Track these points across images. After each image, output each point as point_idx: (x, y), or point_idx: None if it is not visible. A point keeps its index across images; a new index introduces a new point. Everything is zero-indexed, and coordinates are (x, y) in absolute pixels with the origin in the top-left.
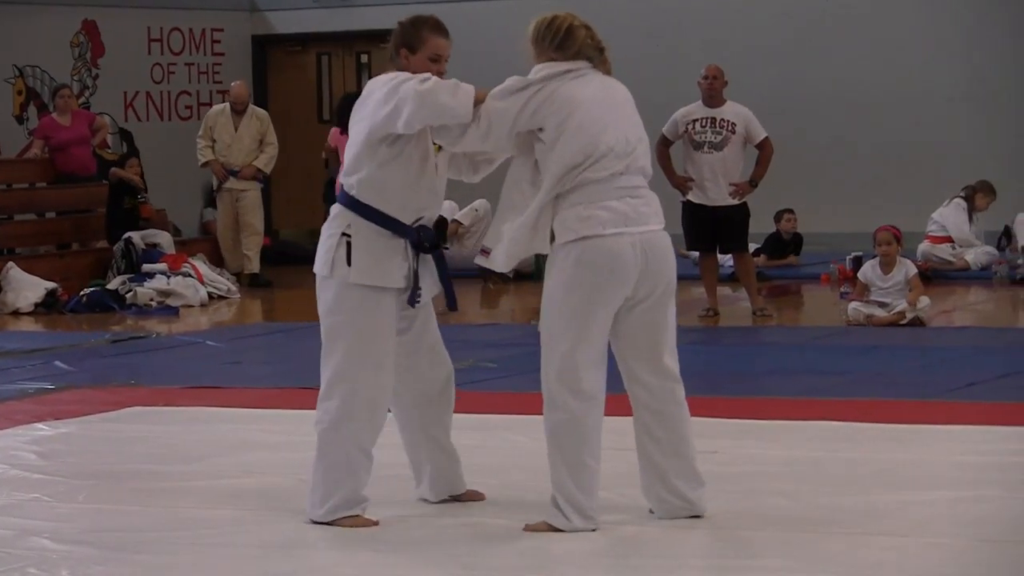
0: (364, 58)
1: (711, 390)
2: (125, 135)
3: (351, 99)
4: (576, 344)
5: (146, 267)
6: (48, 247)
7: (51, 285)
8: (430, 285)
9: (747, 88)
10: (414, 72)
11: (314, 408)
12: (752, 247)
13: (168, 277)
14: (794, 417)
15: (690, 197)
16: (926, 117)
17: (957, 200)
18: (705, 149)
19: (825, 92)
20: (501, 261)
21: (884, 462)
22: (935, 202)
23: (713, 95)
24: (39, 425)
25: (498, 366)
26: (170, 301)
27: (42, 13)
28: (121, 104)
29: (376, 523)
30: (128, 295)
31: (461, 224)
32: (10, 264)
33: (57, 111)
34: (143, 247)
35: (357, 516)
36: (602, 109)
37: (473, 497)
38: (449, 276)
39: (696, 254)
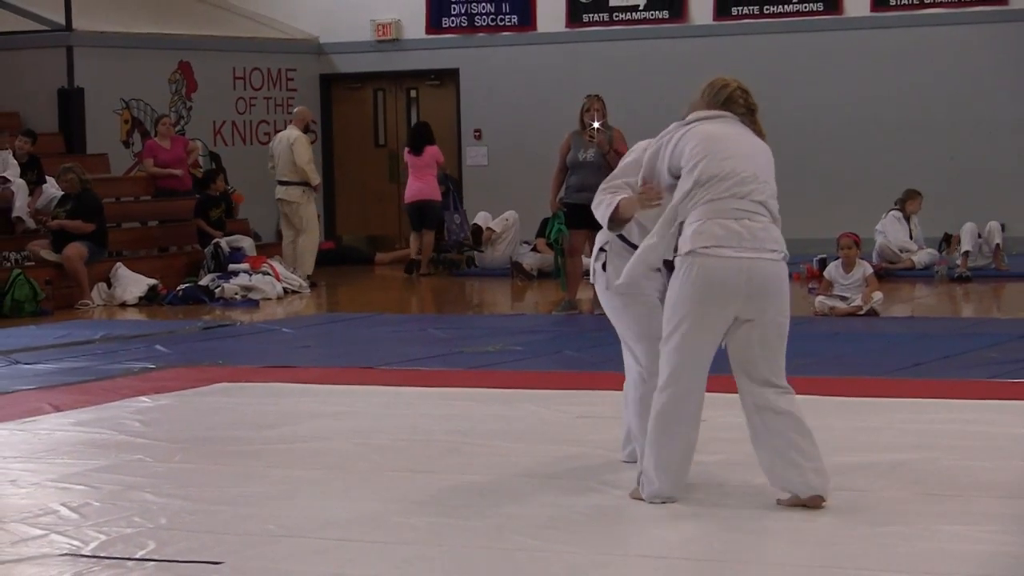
0: (413, 93)
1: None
2: (214, 157)
3: (420, 127)
4: (678, 352)
5: (232, 267)
6: (149, 250)
7: (152, 281)
8: None
9: None
10: None
11: (365, 383)
12: None
13: (250, 275)
14: None
15: None
16: (875, 141)
17: (892, 213)
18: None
19: (795, 121)
20: (623, 278)
21: (844, 429)
22: (881, 210)
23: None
24: (142, 398)
25: (523, 349)
26: (252, 295)
27: (145, 55)
28: (211, 131)
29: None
30: (216, 290)
31: (494, 231)
32: (118, 264)
33: (159, 136)
34: (229, 250)
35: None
36: (734, 144)
37: None
38: None
39: None
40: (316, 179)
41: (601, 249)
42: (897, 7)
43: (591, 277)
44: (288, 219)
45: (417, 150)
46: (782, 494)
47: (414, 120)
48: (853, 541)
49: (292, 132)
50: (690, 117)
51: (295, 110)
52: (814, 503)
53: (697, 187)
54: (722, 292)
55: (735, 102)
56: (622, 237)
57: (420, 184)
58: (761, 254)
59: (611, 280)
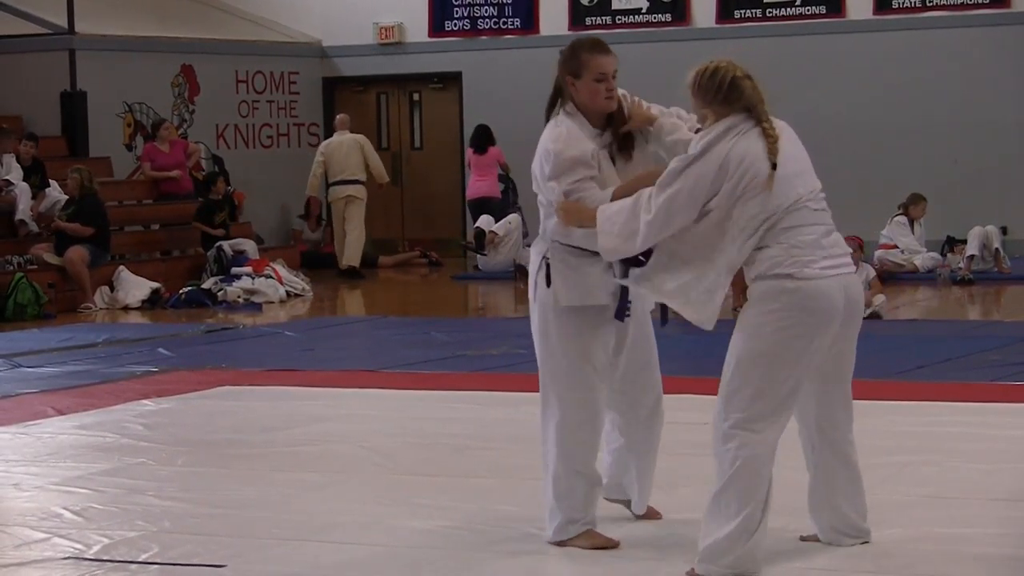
0: (416, 96)
1: (698, 372)
2: (217, 160)
3: (482, 129)
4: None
5: (234, 270)
6: (152, 253)
7: (155, 285)
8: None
9: None
10: (584, 95)
11: (369, 386)
12: None
13: (253, 278)
14: None
15: None
16: (878, 144)
17: (897, 218)
18: None
19: (797, 124)
20: (704, 319)
21: None
22: (885, 214)
23: None
24: (145, 401)
25: (526, 352)
26: (255, 298)
27: (148, 59)
28: (214, 135)
29: (616, 543)
30: (219, 293)
31: (497, 234)
32: (121, 267)
33: (158, 140)
34: (232, 253)
35: (590, 532)
36: (785, 160)
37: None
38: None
39: None
40: (387, 176)
41: (544, 258)
42: (899, 10)
43: (531, 293)
44: (347, 216)
45: (481, 149)
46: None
47: (417, 123)
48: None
49: (355, 135)
50: (701, 143)
51: (339, 117)
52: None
53: (769, 218)
54: (831, 312)
55: (750, 97)
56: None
57: (481, 182)
58: (849, 267)
59: (559, 295)
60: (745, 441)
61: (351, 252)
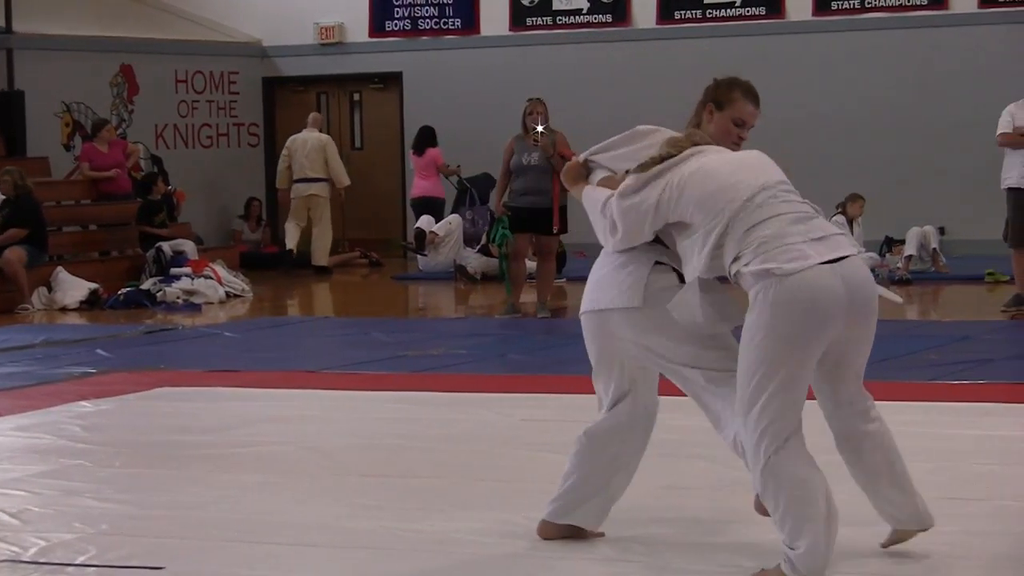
0: (356, 96)
1: None
2: (156, 160)
3: (423, 131)
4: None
5: (174, 271)
6: (91, 254)
7: (93, 286)
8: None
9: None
10: (716, 128)
11: (309, 387)
12: None
13: (192, 279)
14: None
15: None
16: (817, 144)
17: (835, 217)
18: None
19: None
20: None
21: None
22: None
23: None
24: (83, 403)
25: (467, 353)
26: (194, 299)
27: (87, 58)
28: (153, 135)
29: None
30: (158, 294)
31: (437, 235)
32: (59, 268)
33: (97, 140)
34: (171, 254)
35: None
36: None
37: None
38: None
39: None
40: (347, 180)
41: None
42: (839, 11)
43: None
44: (308, 213)
45: (419, 151)
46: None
47: (357, 123)
48: None
49: (320, 135)
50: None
51: (312, 115)
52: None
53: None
54: (827, 305)
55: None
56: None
57: (424, 183)
58: (846, 250)
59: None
60: (769, 451)
61: (319, 252)
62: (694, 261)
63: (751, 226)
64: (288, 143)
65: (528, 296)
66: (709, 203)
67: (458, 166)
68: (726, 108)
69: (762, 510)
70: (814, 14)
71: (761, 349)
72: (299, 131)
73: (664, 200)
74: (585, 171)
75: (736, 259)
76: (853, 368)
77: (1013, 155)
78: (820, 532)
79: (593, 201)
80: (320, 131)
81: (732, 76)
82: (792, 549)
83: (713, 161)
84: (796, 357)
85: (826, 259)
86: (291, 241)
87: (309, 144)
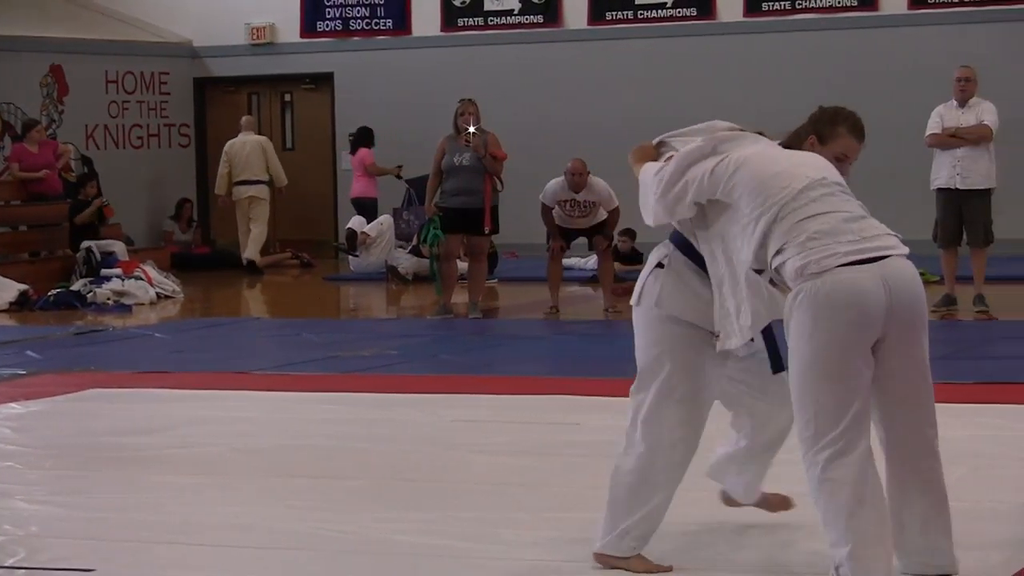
0: (287, 97)
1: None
2: (86, 161)
3: (358, 131)
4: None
5: (104, 272)
6: (20, 255)
7: (23, 287)
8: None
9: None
10: None
11: (240, 388)
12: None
13: (122, 280)
14: None
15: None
16: None
17: None
18: (576, 216)
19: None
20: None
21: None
22: None
23: (577, 187)
24: (12, 404)
25: (398, 353)
26: (124, 300)
27: (15, 59)
28: (83, 135)
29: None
30: (89, 295)
31: (369, 235)
32: None
33: (28, 141)
34: (101, 255)
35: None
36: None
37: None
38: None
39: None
40: (285, 180)
41: (659, 265)
42: (769, 12)
43: (634, 296)
44: (251, 216)
45: (352, 151)
46: None
47: (288, 124)
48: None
49: (259, 137)
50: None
51: (244, 118)
52: None
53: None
54: (866, 307)
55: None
56: (687, 250)
57: (357, 183)
58: (892, 251)
59: (662, 300)
60: (825, 465)
61: (252, 247)
62: (743, 252)
63: (803, 218)
64: (227, 148)
65: (459, 297)
66: (763, 188)
67: (399, 167)
68: (829, 143)
69: (729, 502)
70: (745, 15)
71: (804, 354)
72: (235, 136)
73: (719, 170)
74: (655, 153)
75: (780, 251)
76: (904, 380)
77: (942, 156)
78: (871, 556)
79: (648, 176)
80: (255, 133)
81: (837, 107)
82: (837, 566)
83: (776, 150)
84: (836, 359)
85: (868, 256)
86: (249, 252)
87: (248, 147)
